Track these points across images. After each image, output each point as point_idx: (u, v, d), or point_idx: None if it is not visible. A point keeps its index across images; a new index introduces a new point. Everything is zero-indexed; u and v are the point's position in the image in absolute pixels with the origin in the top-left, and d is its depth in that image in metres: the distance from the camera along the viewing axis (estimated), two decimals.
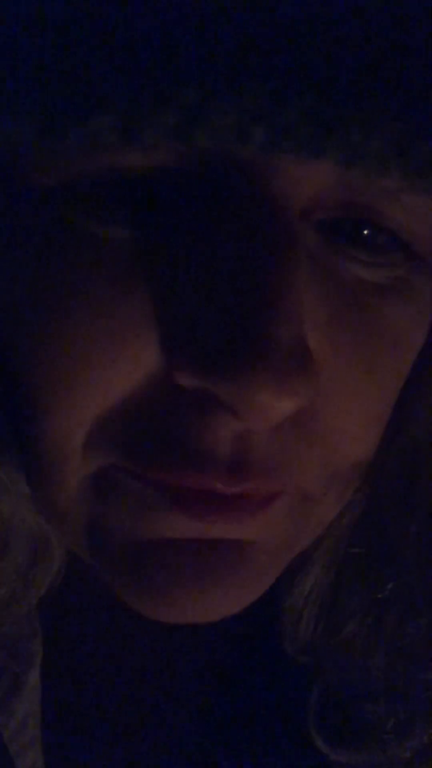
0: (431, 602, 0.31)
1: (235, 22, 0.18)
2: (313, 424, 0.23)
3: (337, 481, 0.26)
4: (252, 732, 0.33)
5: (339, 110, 0.17)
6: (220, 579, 0.24)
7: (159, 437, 0.23)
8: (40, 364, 0.23)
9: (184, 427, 0.22)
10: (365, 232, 0.23)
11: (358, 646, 0.31)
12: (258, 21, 0.18)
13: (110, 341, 0.22)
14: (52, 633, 0.32)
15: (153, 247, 0.22)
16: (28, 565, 0.29)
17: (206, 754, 0.33)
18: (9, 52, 0.19)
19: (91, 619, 0.33)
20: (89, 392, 0.22)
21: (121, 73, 0.18)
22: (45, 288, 0.22)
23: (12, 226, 0.23)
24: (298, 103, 0.17)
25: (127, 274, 0.22)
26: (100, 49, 0.18)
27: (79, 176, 0.21)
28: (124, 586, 0.25)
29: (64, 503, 0.25)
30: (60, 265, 0.22)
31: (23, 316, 0.23)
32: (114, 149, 0.19)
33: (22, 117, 0.18)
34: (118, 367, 0.22)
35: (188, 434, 0.22)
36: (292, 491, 0.25)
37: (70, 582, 0.31)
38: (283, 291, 0.21)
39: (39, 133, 0.18)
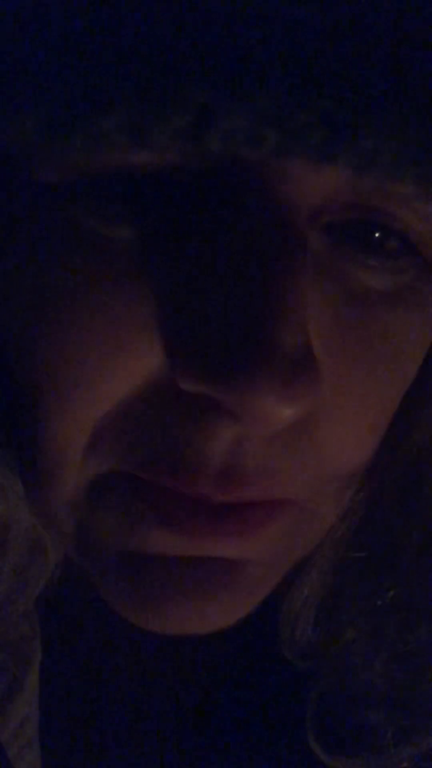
0: (431, 609, 0.31)
1: (248, 24, 0.18)
2: (311, 430, 0.23)
3: (332, 489, 0.26)
4: (249, 737, 0.33)
5: (352, 116, 0.17)
6: (213, 594, 0.24)
7: (156, 442, 0.22)
8: (40, 366, 0.23)
9: (181, 431, 0.22)
10: (376, 234, 0.23)
11: (357, 652, 0.31)
12: (271, 24, 0.18)
13: (112, 344, 0.22)
14: (51, 635, 0.32)
15: (157, 249, 0.21)
16: (25, 565, 0.29)
17: (203, 759, 0.33)
18: (18, 51, 0.18)
19: (89, 621, 0.33)
20: (90, 395, 0.22)
21: (132, 73, 0.17)
22: (46, 289, 0.22)
23: (14, 225, 0.23)
24: (311, 107, 0.17)
25: (130, 275, 0.21)
26: (111, 49, 0.18)
27: (85, 175, 0.21)
28: (114, 595, 0.25)
29: (59, 509, 0.25)
30: (62, 265, 0.22)
31: (24, 317, 0.23)
32: (122, 150, 0.19)
33: (30, 116, 0.18)
34: (119, 370, 0.22)
35: (185, 438, 0.22)
36: (287, 505, 0.24)
37: (68, 583, 0.31)
38: (288, 296, 0.20)
39: (47, 132, 0.18)
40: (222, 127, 0.17)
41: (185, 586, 0.24)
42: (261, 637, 0.33)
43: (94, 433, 0.23)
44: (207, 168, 0.21)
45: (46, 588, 0.30)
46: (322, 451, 0.24)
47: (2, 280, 0.24)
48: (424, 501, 0.30)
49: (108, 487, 0.24)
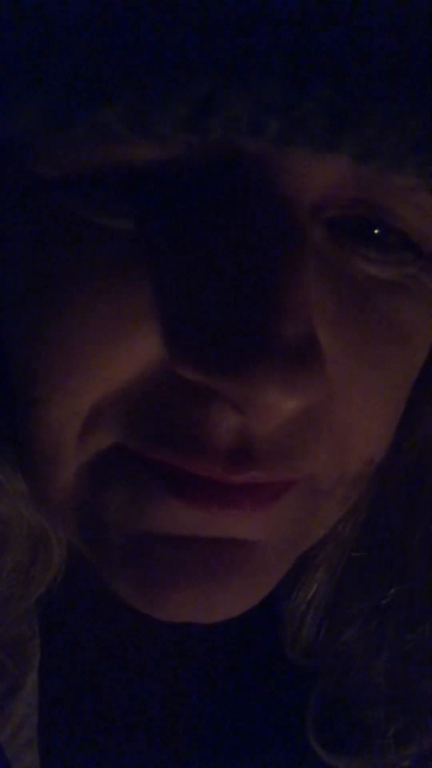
0: None
1: (250, 11, 0.17)
2: (321, 418, 0.23)
3: (347, 478, 0.25)
4: (250, 735, 0.33)
5: (355, 104, 0.17)
6: (224, 578, 0.23)
7: (160, 421, 0.22)
8: (38, 353, 0.22)
9: (185, 415, 0.22)
10: (376, 231, 0.23)
11: (360, 651, 0.31)
12: (273, 11, 0.17)
13: (111, 331, 0.21)
14: (50, 635, 0.32)
15: (158, 239, 0.21)
16: (28, 564, 0.29)
17: (204, 758, 0.33)
18: (17, 42, 0.18)
19: (89, 620, 0.33)
20: (87, 380, 0.22)
21: (132, 61, 0.17)
22: (47, 277, 0.22)
23: (13, 215, 0.23)
24: (313, 95, 0.17)
25: (130, 264, 0.21)
26: (109, 38, 0.17)
27: (84, 167, 0.21)
28: (121, 581, 0.24)
29: (60, 495, 0.24)
30: (63, 255, 0.22)
31: (23, 306, 0.23)
32: (122, 140, 0.18)
33: (31, 108, 0.18)
34: (117, 356, 0.22)
35: (189, 422, 0.22)
36: (301, 484, 0.24)
37: (68, 584, 0.30)
38: (291, 286, 0.20)
39: (48, 124, 0.18)
40: (224, 115, 0.17)
41: (195, 569, 0.23)
42: (262, 636, 0.33)
43: (90, 413, 0.23)
44: (209, 159, 0.21)
45: (46, 587, 0.30)
46: (336, 439, 0.23)
47: (2, 269, 0.24)
48: (427, 500, 0.30)
49: (111, 464, 0.23)
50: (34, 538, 0.28)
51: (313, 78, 0.17)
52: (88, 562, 0.26)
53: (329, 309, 0.22)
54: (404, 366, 0.25)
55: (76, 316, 0.21)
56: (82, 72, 0.17)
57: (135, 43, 0.17)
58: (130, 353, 0.22)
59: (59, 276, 0.22)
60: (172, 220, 0.21)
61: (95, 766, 0.32)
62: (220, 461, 0.22)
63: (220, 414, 0.21)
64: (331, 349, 0.22)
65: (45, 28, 0.18)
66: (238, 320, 0.20)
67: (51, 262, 0.22)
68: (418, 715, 0.31)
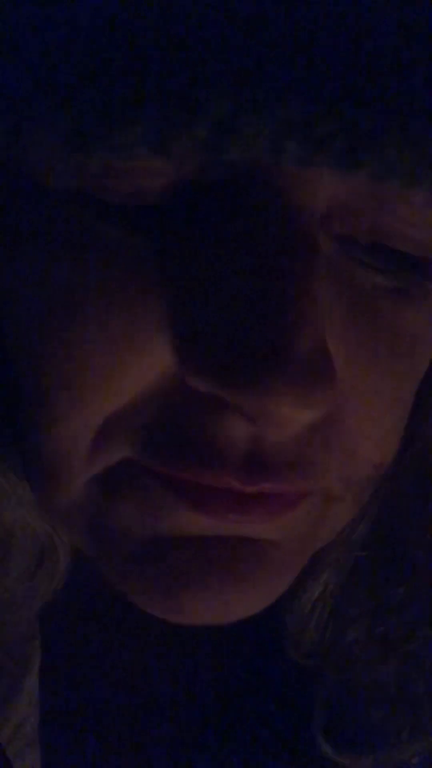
0: None
1: (270, 34, 0.17)
2: (332, 427, 0.23)
3: (358, 482, 0.26)
4: (253, 736, 0.33)
5: (374, 124, 0.17)
6: (238, 577, 0.23)
7: (173, 434, 0.22)
8: (49, 367, 0.22)
9: (197, 427, 0.22)
10: (385, 241, 0.23)
11: (366, 651, 0.31)
12: (293, 33, 0.17)
13: (123, 344, 0.21)
14: (51, 636, 0.32)
15: (170, 251, 0.21)
16: (33, 571, 0.28)
17: (208, 758, 0.33)
18: (42, 65, 0.18)
19: (90, 621, 0.33)
20: (99, 395, 0.22)
21: (154, 85, 0.17)
22: (58, 290, 0.22)
23: (25, 227, 0.23)
24: (332, 116, 0.17)
25: (142, 277, 0.21)
26: (131, 59, 0.18)
27: (99, 180, 0.21)
28: (134, 586, 0.24)
29: (69, 505, 0.24)
30: (74, 268, 0.22)
31: (33, 318, 0.23)
32: (143, 161, 0.19)
33: (54, 129, 0.18)
34: (129, 369, 0.21)
35: (202, 434, 0.22)
36: (315, 493, 0.24)
37: (69, 585, 0.30)
38: (303, 298, 0.20)
39: (70, 145, 0.18)
40: (244, 137, 0.17)
41: (210, 568, 0.23)
42: (266, 636, 0.33)
43: (101, 428, 0.23)
44: (221, 173, 0.21)
45: (52, 594, 0.30)
46: (345, 446, 0.24)
47: (12, 281, 0.23)
48: None
49: (122, 477, 0.23)
50: (40, 545, 0.28)
51: (332, 99, 0.17)
52: (89, 564, 0.26)
53: (338, 319, 0.22)
54: (410, 372, 0.25)
55: (88, 330, 0.21)
56: (104, 95, 0.17)
57: (156, 66, 0.17)
58: (142, 366, 0.21)
59: (70, 289, 0.22)
60: (182, 231, 0.21)
61: (96, 766, 0.32)
62: (234, 472, 0.22)
63: (233, 426, 0.21)
64: (340, 359, 0.22)
65: (70, 51, 0.18)
66: (251, 332, 0.20)
67: (62, 275, 0.22)
68: (426, 712, 0.32)
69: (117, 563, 0.24)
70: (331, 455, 0.23)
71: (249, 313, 0.20)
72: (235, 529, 0.23)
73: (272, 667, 0.33)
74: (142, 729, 0.33)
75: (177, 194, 0.21)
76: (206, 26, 0.17)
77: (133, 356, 0.21)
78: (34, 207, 0.22)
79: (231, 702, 0.33)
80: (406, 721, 0.31)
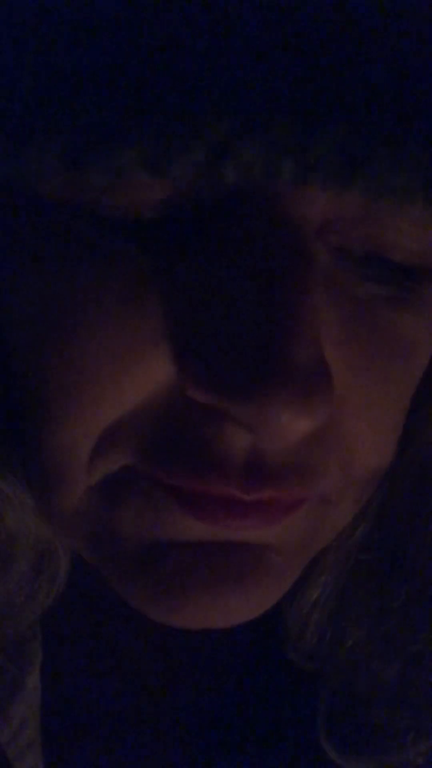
0: None
1: (264, 57, 0.18)
2: (330, 434, 0.23)
3: (356, 485, 0.26)
4: (254, 738, 0.33)
5: (367, 145, 0.18)
6: (237, 582, 0.24)
7: (172, 443, 0.22)
8: (48, 378, 0.22)
9: (197, 436, 0.22)
10: (381, 252, 0.23)
11: (367, 652, 0.31)
12: (285, 57, 0.18)
13: (121, 355, 0.21)
14: (52, 637, 0.32)
15: (167, 262, 0.21)
16: (34, 576, 0.29)
17: (207, 761, 0.33)
18: (37, 84, 0.19)
19: (91, 623, 0.33)
20: (97, 404, 0.22)
21: (149, 107, 0.18)
22: (57, 301, 0.22)
23: (26, 240, 0.23)
24: (325, 137, 0.18)
25: (141, 288, 0.21)
26: (128, 82, 0.18)
27: (96, 195, 0.21)
28: (134, 591, 0.24)
29: (69, 512, 0.24)
30: (73, 279, 0.22)
31: (33, 328, 0.23)
32: (139, 182, 0.19)
33: (50, 151, 0.18)
34: (128, 380, 0.22)
35: (202, 443, 0.22)
36: (313, 498, 0.24)
37: (70, 587, 0.30)
38: (300, 309, 0.20)
39: (64, 165, 0.18)
40: (239, 159, 0.18)
41: (209, 572, 0.23)
42: (266, 639, 0.33)
43: (101, 437, 0.23)
44: (216, 189, 0.21)
45: (53, 599, 0.30)
46: (343, 453, 0.24)
47: (11, 292, 0.24)
48: None
49: (121, 484, 0.23)
50: (41, 551, 0.28)
51: (326, 121, 0.18)
52: (90, 566, 0.26)
53: (334, 327, 0.22)
54: (406, 379, 0.25)
55: (87, 341, 0.22)
56: (101, 116, 0.18)
57: (153, 89, 0.18)
58: (140, 377, 0.22)
59: (69, 301, 0.22)
60: (181, 246, 0.21)
61: (97, 767, 0.32)
62: (234, 481, 0.22)
63: (232, 435, 0.21)
64: (337, 367, 0.22)
65: (66, 71, 0.18)
66: (248, 344, 0.20)
67: (61, 287, 0.22)
68: (428, 712, 0.31)
69: (117, 568, 0.24)
70: (329, 461, 0.23)
71: (246, 325, 0.20)
72: (234, 534, 0.23)
73: (273, 669, 0.33)
74: (143, 730, 0.33)
75: (174, 209, 0.21)
76: (202, 51, 0.18)
77: (132, 367, 0.21)
78: (33, 220, 0.22)
79: (232, 704, 0.33)
80: (409, 722, 0.31)
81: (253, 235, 0.21)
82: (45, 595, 0.29)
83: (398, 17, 0.19)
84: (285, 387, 0.20)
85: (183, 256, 0.21)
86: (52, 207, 0.22)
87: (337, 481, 0.24)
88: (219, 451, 0.22)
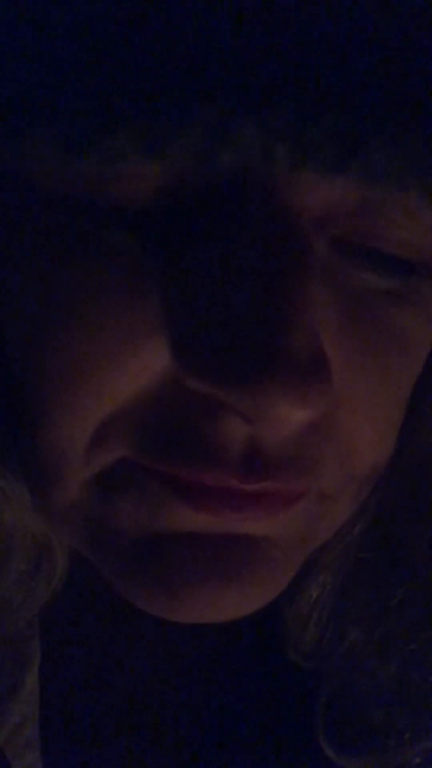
0: None
1: (260, 41, 0.18)
2: (329, 427, 0.23)
3: (355, 481, 0.26)
4: (253, 737, 0.33)
5: (363, 129, 0.18)
6: (235, 575, 0.24)
7: (170, 433, 0.22)
8: (45, 370, 0.22)
9: (195, 427, 0.22)
10: (379, 244, 0.23)
11: (366, 652, 0.31)
12: (282, 41, 0.18)
13: (119, 346, 0.22)
14: (51, 635, 0.32)
15: (164, 253, 0.21)
16: (32, 573, 0.29)
17: (208, 760, 0.33)
18: (31, 69, 0.19)
19: (90, 622, 0.33)
20: (95, 396, 0.22)
21: (145, 89, 0.18)
22: (53, 293, 0.22)
23: (23, 232, 0.23)
24: (322, 121, 0.18)
25: (138, 279, 0.21)
26: (124, 66, 0.18)
27: (92, 184, 0.21)
28: (132, 586, 0.24)
29: (66, 506, 0.24)
30: (71, 269, 0.22)
31: (29, 320, 0.23)
32: (135, 165, 0.19)
33: (45, 133, 0.18)
34: (126, 371, 0.22)
35: (200, 433, 0.22)
36: (312, 491, 0.24)
37: (69, 585, 0.30)
38: (298, 300, 0.20)
39: (62, 149, 0.18)
40: (234, 142, 0.18)
41: (207, 564, 0.23)
42: (265, 638, 0.33)
43: (97, 429, 0.23)
44: (214, 177, 0.21)
45: (50, 595, 0.30)
46: (342, 447, 0.24)
47: (7, 285, 0.24)
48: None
49: (118, 476, 0.23)
50: (38, 547, 0.28)
51: (321, 105, 0.18)
52: (89, 564, 0.26)
53: (333, 320, 0.22)
54: (405, 373, 0.25)
55: (84, 333, 0.22)
56: (96, 98, 0.18)
57: (147, 71, 0.18)
58: (138, 368, 0.22)
59: (66, 292, 0.22)
60: (177, 234, 0.21)
61: (97, 765, 0.32)
62: (231, 471, 0.22)
63: (230, 425, 0.21)
64: (335, 360, 0.22)
65: (61, 54, 0.18)
66: (246, 333, 0.20)
67: (57, 278, 0.22)
68: (428, 711, 0.31)
69: (114, 563, 0.24)
70: (328, 454, 0.23)
71: (243, 314, 0.20)
72: (233, 527, 0.23)
73: (273, 668, 0.33)
74: (142, 729, 0.33)
75: (171, 198, 0.21)
76: (198, 33, 0.18)
77: (129, 358, 0.21)
78: (30, 213, 0.22)
79: (232, 703, 0.33)
80: (408, 722, 0.31)
81: (250, 225, 0.21)
82: (42, 592, 0.29)
83: (393, 3, 0.19)
84: (282, 375, 0.20)
85: (180, 246, 0.21)
86: (49, 199, 0.22)
87: (336, 475, 0.24)
88: (216, 442, 0.22)
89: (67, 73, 0.18)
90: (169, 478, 0.23)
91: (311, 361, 0.20)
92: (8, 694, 0.31)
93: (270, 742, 0.33)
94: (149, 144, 0.18)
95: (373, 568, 0.31)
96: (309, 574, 0.31)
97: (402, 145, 0.18)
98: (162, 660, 0.33)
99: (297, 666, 0.32)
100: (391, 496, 0.30)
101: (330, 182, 0.21)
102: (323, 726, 0.31)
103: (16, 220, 0.23)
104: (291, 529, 0.25)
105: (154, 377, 0.22)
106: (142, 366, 0.22)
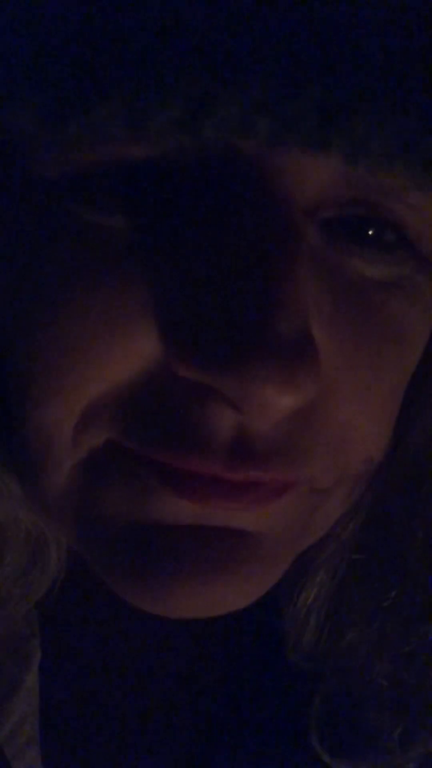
0: None
1: (241, 13, 0.18)
2: (318, 416, 0.23)
3: (347, 477, 0.25)
4: (251, 738, 0.33)
5: (345, 103, 0.17)
6: (225, 569, 0.23)
7: (158, 419, 0.22)
8: (33, 352, 0.22)
9: (183, 413, 0.22)
10: (370, 231, 0.23)
11: (362, 653, 0.31)
12: (264, 12, 0.18)
13: (107, 330, 0.21)
14: (51, 634, 0.32)
15: (154, 237, 0.21)
16: (26, 567, 0.29)
17: (205, 760, 0.33)
18: (12, 41, 0.18)
19: (89, 620, 0.33)
20: (83, 380, 0.22)
21: (126, 62, 0.18)
22: (43, 276, 0.22)
23: (11, 215, 0.23)
24: (303, 94, 0.17)
25: (126, 262, 0.21)
26: (105, 38, 0.18)
27: (80, 165, 0.21)
28: (119, 578, 0.24)
29: (55, 494, 0.24)
30: (59, 253, 0.22)
31: (19, 306, 0.23)
32: (118, 139, 0.19)
33: (26, 106, 0.18)
34: (114, 354, 0.22)
35: (188, 420, 0.22)
36: (302, 483, 0.24)
37: (68, 583, 0.30)
38: (285, 284, 0.20)
39: (43, 122, 0.18)
40: (216, 115, 0.18)
41: (196, 557, 0.23)
42: (264, 639, 0.33)
43: (84, 412, 0.23)
44: (203, 159, 0.21)
45: (45, 590, 0.30)
46: (333, 437, 0.24)
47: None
48: (427, 500, 0.30)
49: (106, 461, 0.23)
50: (32, 542, 0.28)
51: (303, 78, 0.17)
52: (88, 562, 0.26)
53: (325, 308, 0.22)
54: (399, 365, 0.25)
55: (73, 315, 0.22)
56: (77, 72, 0.18)
57: (128, 43, 0.18)
58: (126, 352, 0.22)
59: (55, 275, 0.22)
60: (167, 219, 0.21)
61: (96, 764, 0.32)
62: (219, 459, 0.22)
63: (217, 412, 0.21)
64: (326, 347, 0.22)
65: (42, 29, 0.18)
66: (233, 317, 0.20)
67: (47, 261, 0.22)
68: (422, 715, 0.31)
69: (102, 555, 0.24)
70: (318, 444, 0.23)
71: (231, 299, 0.20)
72: (222, 518, 0.23)
73: (272, 669, 0.33)
74: (142, 728, 0.33)
75: (159, 181, 0.21)
76: (178, 6, 0.18)
77: (118, 342, 0.21)
78: (18, 197, 0.22)
79: (230, 704, 0.33)
80: (404, 724, 0.31)
81: (239, 208, 0.21)
82: (36, 587, 0.29)
83: None
84: (268, 360, 0.20)
85: (169, 230, 0.21)
86: (37, 182, 0.22)
87: (328, 468, 0.24)
88: (204, 429, 0.21)
89: (48, 45, 0.18)
90: (156, 465, 0.22)
91: (298, 344, 0.20)
92: (8, 692, 0.31)
93: (268, 742, 0.32)
94: (130, 117, 0.18)
95: (368, 569, 0.30)
96: (305, 574, 0.30)
97: (385, 120, 0.17)
98: (161, 658, 0.33)
99: (296, 666, 0.32)
100: (385, 495, 0.29)
101: (314, 162, 0.20)
102: (318, 728, 0.31)
103: (4, 204, 0.23)
104: (281, 523, 0.24)
105: (143, 361, 0.22)
106: (130, 350, 0.21)
